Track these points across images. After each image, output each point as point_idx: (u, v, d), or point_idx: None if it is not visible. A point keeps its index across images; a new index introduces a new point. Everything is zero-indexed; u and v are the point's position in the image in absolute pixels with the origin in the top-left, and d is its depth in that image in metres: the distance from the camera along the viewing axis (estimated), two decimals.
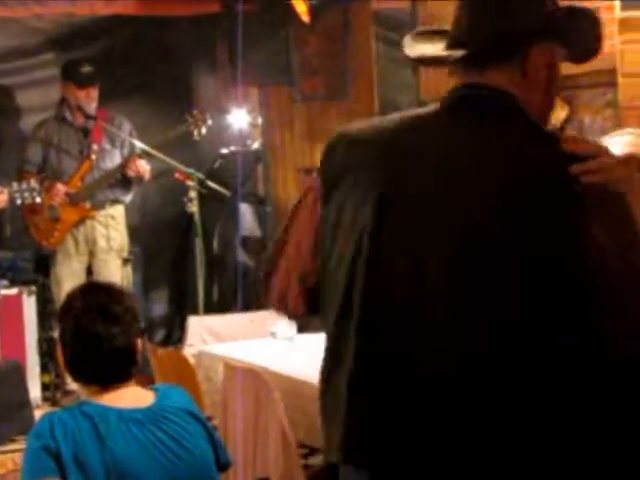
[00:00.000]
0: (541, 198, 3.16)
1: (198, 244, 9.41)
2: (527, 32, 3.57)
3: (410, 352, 3.24)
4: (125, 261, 9.37)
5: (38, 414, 5.68)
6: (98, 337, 4.27)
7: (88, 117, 9.33)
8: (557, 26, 3.60)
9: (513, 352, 3.12)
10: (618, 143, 3.63)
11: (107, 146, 9.31)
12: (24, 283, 8.79)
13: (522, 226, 3.13)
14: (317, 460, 6.43)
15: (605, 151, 3.31)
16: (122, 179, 9.32)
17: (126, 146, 9.30)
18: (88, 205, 9.21)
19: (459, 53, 3.61)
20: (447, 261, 3.15)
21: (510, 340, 3.12)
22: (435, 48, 3.72)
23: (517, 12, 3.59)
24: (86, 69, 9.52)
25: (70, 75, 9.44)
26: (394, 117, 3.62)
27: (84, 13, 10.33)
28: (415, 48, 3.76)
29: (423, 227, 3.24)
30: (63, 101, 9.54)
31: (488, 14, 3.58)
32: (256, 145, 10.62)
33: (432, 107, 3.55)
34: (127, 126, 9.47)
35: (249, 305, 8.72)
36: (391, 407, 3.28)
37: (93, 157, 9.23)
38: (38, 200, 8.74)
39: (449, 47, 3.65)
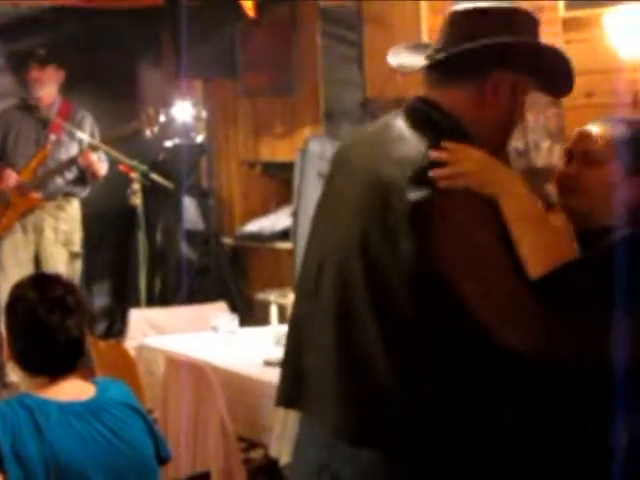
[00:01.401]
0: (388, 214, 3.40)
1: (141, 237, 9.40)
2: (488, 57, 3.68)
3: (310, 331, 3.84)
4: (74, 255, 9.34)
5: None
6: (53, 328, 4.26)
7: (45, 107, 9.34)
8: (526, 59, 3.74)
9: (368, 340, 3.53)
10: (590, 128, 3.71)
11: (65, 138, 9.26)
12: None
13: (374, 243, 3.46)
14: (257, 454, 6.43)
15: (466, 157, 3.45)
16: (79, 173, 9.30)
17: (79, 140, 9.22)
18: (39, 195, 9.18)
19: (419, 64, 3.77)
20: (334, 264, 3.64)
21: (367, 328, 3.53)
22: (412, 59, 3.87)
23: (483, 37, 3.65)
24: (40, 51, 9.53)
25: (26, 59, 9.43)
26: (369, 126, 3.96)
27: (29, 4, 10.31)
28: (397, 57, 3.91)
29: (324, 235, 3.80)
30: (26, 90, 9.53)
31: (457, 35, 3.69)
32: (200, 138, 10.61)
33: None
34: (89, 120, 9.46)
35: (191, 298, 8.73)
36: (293, 370, 3.93)
37: (48, 147, 9.18)
38: None
39: (425, 60, 3.79)
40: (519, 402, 3.53)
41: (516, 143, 6.32)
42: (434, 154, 3.39)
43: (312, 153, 8.33)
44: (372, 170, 3.57)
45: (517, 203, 3.46)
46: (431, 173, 3.35)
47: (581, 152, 3.68)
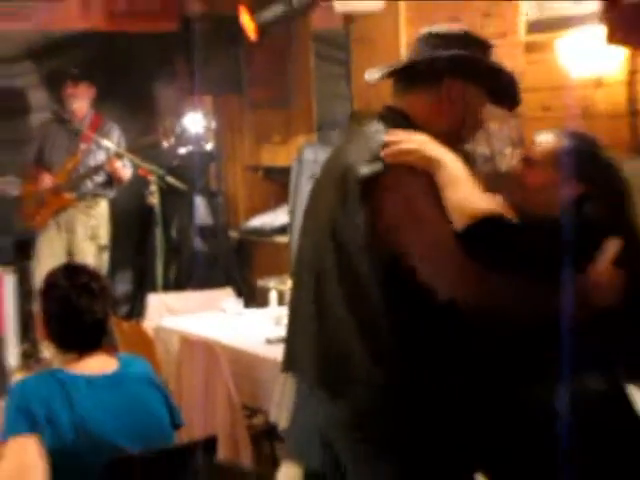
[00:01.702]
0: (347, 195, 3.60)
1: (158, 232, 9.47)
2: (438, 67, 3.85)
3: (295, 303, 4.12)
4: (102, 248, 9.38)
5: (15, 379, 5.68)
6: (82, 311, 4.32)
7: (78, 120, 9.38)
8: (472, 71, 3.88)
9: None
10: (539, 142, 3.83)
11: (94, 147, 9.29)
12: (4, 264, 8.76)
13: (339, 224, 3.68)
14: (259, 420, 6.46)
15: (409, 139, 3.63)
16: (106, 177, 9.34)
17: (106, 149, 9.26)
18: (72, 195, 9.21)
19: (379, 75, 4.04)
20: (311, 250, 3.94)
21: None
22: (381, 73, 4.07)
23: (438, 50, 3.83)
24: (73, 70, 9.59)
25: (61, 77, 9.47)
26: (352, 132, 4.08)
27: (57, 25, 10.30)
28: (370, 73, 4.06)
29: (308, 228, 4.06)
30: (62, 105, 9.53)
31: (418, 52, 3.92)
32: (209, 146, 10.63)
33: None
34: (116, 131, 9.49)
35: (202, 285, 8.74)
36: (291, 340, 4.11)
37: (79, 155, 9.22)
38: (14, 193, 8.85)
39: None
40: (466, 356, 3.62)
41: (483, 150, 6.35)
42: (386, 137, 3.60)
43: (306, 159, 8.34)
44: (340, 164, 3.75)
45: (448, 173, 3.56)
46: (381, 153, 3.56)
47: (526, 157, 3.81)
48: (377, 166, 3.60)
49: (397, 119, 3.84)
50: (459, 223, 3.46)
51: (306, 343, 3.95)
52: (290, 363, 4.12)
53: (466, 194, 3.54)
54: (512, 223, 3.58)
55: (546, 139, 3.79)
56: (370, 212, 3.61)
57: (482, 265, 3.48)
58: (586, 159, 3.68)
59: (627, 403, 3.62)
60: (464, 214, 3.46)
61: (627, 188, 3.71)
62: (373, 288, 3.64)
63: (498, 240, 3.50)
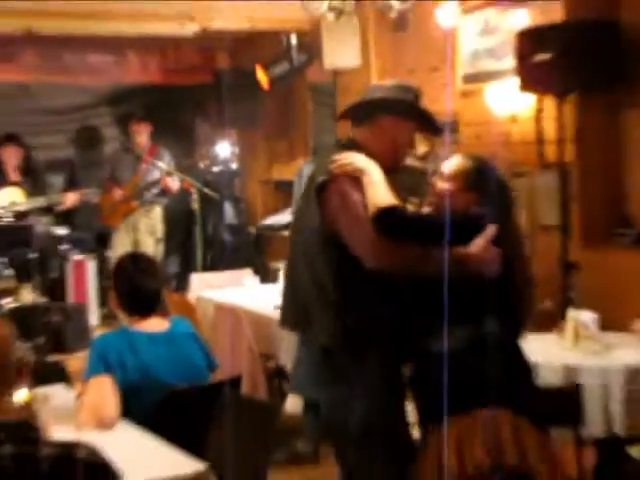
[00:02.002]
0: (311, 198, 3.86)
1: (197, 229, 9.61)
2: (372, 108, 4.10)
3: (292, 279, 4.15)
4: (158, 240, 9.47)
5: (95, 335, 5.77)
6: (142, 286, 4.45)
7: (139, 148, 9.45)
8: (399, 109, 4.06)
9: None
10: (449, 162, 3.90)
11: (151, 167, 9.34)
12: (88, 252, 8.82)
13: (310, 220, 3.89)
14: (271, 364, 6.52)
15: (350, 157, 3.83)
16: (161, 189, 9.38)
17: (161, 169, 9.33)
18: (136, 203, 9.28)
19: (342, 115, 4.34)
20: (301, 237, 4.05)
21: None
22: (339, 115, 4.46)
23: (374, 95, 4.15)
24: (138, 112, 9.74)
25: (128, 117, 9.60)
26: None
27: (124, 80, 10.36)
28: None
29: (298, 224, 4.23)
30: (131, 138, 9.58)
31: (365, 97, 4.18)
32: (234, 166, 10.65)
33: None
34: (166, 156, 9.52)
35: (229, 266, 8.79)
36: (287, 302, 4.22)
37: (140, 174, 9.29)
38: (97, 200, 8.97)
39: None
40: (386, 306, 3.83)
41: (431, 166, 6.34)
42: (334, 157, 3.83)
43: (304, 174, 8.35)
44: (311, 177, 4.02)
45: (369, 179, 3.74)
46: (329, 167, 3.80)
47: (440, 172, 3.89)
48: (326, 176, 3.82)
49: (351, 146, 3.98)
50: (371, 212, 3.67)
51: (286, 302, 4.26)
52: (283, 321, 4.32)
53: (377, 193, 3.72)
54: (404, 211, 3.81)
55: (454, 160, 3.89)
56: (321, 206, 3.83)
57: (388, 239, 3.68)
58: (481, 174, 3.78)
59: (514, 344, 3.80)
60: (374, 206, 3.67)
61: (509, 194, 3.95)
62: (323, 260, 3.87)
63: (394, 223, 3.70)
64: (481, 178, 3.77)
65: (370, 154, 3.91)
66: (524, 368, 3.84)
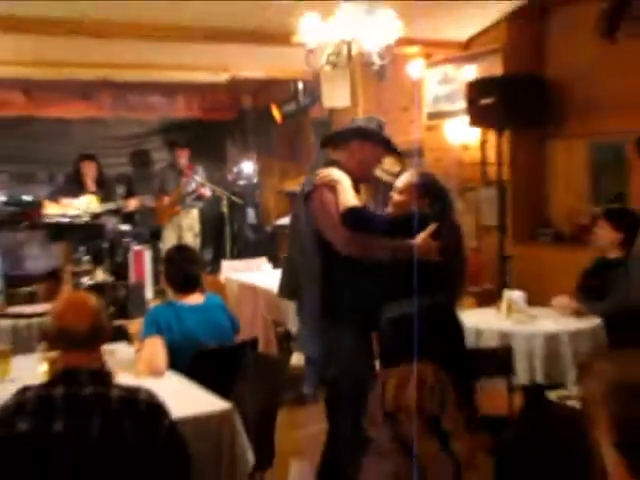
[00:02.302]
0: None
1: (227, 227, 9.51)
2: (347, 135, 4.12)
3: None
4: (195, 235, 9.42)
5: (150, 305, 5.78)
6: (187, 270, 4.43)
7: (181, 166, 9.37)
8: (369, 136, 4.06)
9: None
10: (401, 177, 3.94)
11: (190, 180, 9.25)
12: (144, 243, 8.82)
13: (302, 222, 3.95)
14: (281, 329, 6.52)
15: (330, 172, 3.84)
16: (196, 197, 9.31)
17: (197, 181, 9.26)
18: (179, 207, 9.24)
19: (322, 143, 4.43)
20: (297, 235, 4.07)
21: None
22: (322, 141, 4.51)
23: (348, 126, 4.26)
24: (181, 140, 9.63)
25: (174, 144, 9.55)
26: None
27: (173, 115, 10.36)
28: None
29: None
30: (175, 159, 9.49)
31: (344, 127, 4.32)
32: (255, 180, 10.64)
33: None
34: (201, 171, 9.42)
35: (250, 256, 8.77)
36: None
37: (182, 186, 9.22)
38: (151, 204, 8.98)
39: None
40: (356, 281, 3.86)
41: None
42: (317, 172, 3.87)
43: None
44: (302, 187, 3.99)
45: (341, 187, 3.75)
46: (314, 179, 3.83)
47: (396, 184, 3.93)
48: (311, 186, 3.85)
49: (332, 164, 3.98)
50: (341, 211, 3.72)
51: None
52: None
53: (346, 197, 3.75)
54: (362, 210, 3.85)
55: (404, 176, 3.93)
56: (306, 207, 3.88)
57: (351, 230, 3.76)
58: (425, 185, 3.81)
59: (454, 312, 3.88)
60: (343, 206, 3.71)
61: (448, 199, 3.93)
62: (310, 247, 3.92)
63: (355, 218, 3.76)
64: (425, 188, 3.80)
65: (345, 170, 3.94)
66: (457, 332, 3.86)
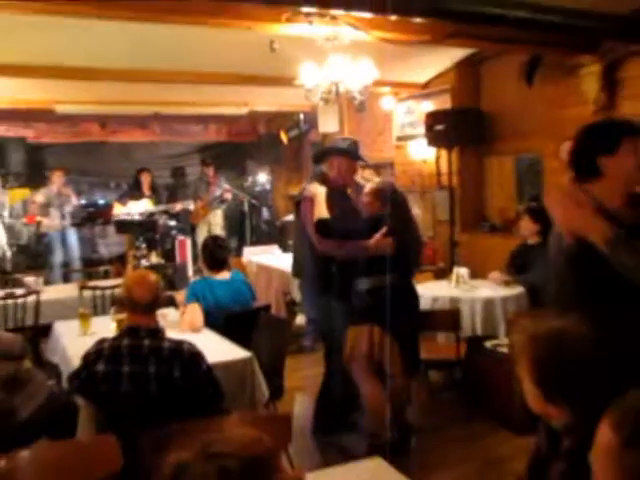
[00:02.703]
0: None
1: (247, 222, 9.50)
2: (326, 153, 4.07)
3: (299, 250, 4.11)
4: (221, 227, 9.30)
5: (191, 280, 5.79)
6: (220, 254, 4.39)
7: (208, 177, 9.21)
8: (345, 153, 3.95)
9: None
10: (368, 185, 3.84)
11: (216, 188, 9.15)
12: (186, 235, 8.82)
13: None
14: (289, 298, 6.50)
15: (315, 187, 3.81)
16: (221, 199, 9.17)
17: (222, 189, 9.16)
18: (209, 209, 9.09)
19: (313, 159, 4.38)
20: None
21: None
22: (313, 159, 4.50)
23: (330, 144, 4.31)
24: (208, 159, 9.49)
25: (206, 164, 9.43)
26: None
27: (207, 139, 10.34)
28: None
29: None
30: (203, 173, 9.38)
31: (325, 147, 4.10)
32: (268, 186, 10.63)
33: None
34: (223, 180, 9.28)
35: (265, 243, 8.73)
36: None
37: (210, 192, 9.11)
38: (191, 207, 8.93)
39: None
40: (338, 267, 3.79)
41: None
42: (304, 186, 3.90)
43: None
44: (297, 196, 4.01)
45: (318, 200, 3.73)
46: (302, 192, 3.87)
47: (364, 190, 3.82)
48: (300, 197, 3.89)
49: (320, 175, 4.01)
50: (314, 221, 3.72)
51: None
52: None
53: (319, 210, 3.72)
54: (328, 220, 3.74)
55: (371, 183, 3.87)
56: (296, 214, 3.95)
57: (320, 235, 3.74)
58: (383, 191, 3.71)
59: (409, 286, 3.77)
60: (317, 217, 3.70)
61: (400, 202, 3.77)
62: (304, 241, 3.94)
63: (321, 228, 3.73)
64: (382, 194, 3.71)
65: (330, 179, 3.92)
66: (412, 300, 3.81)
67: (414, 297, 3.84)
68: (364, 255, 3.61)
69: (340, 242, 3.75)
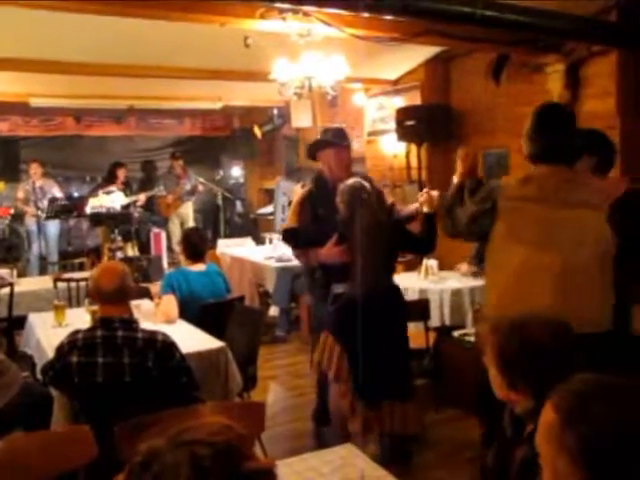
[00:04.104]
0: None
1: (221, 214, 9.41)
2: (317, 146, 3.80)
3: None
4: (192, 220, 9.27)
5: (167, 271, 5.76)
6: (200, 245, 4.39)
7: (178, 171, 9.18)
8: (334, 145, 3.74)
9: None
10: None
11: (186, 182, 9.10)
12: (161, 227, 8.76)
13: None
14: (262, 289, 6.51)
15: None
16: (191, 191, 9.13)
17: (192, 182, 9.11)
18: (180, 202, 9.04)
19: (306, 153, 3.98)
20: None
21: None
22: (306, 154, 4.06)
23: (320, 137, 3.87)
24: (177, 154, 9.39)
25: (175, 157, 9.37)
26: None
27: (182, 133, 10.24)
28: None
29: None
30: (172, 166, 9.32)
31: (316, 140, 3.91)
32: (242, 179, 10.58)
33: None
34: (193, 176, 9.19)
35: (239, 236, 8.68)
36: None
37: (180, 186, 9.05)
38: (159, 194, 8.94)
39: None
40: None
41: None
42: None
43: (280, 185, 8.33)
44: None
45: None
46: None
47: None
48: None
49: (319, 172, 3.77)
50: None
51: None
52: None
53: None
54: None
55: (349, 180, 3.49)
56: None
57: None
58: (342, 194, 3.35)
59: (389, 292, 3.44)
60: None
61: (356, 205, 3.30)
62: None
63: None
64: (342, 197, 3.36)
65: (326, 175, 3.70)
66: (393, 309, 3.51)
67: (396, 306, 3.42)
68: (335, 261, 3.36)
69: (303, 250, 3.61)
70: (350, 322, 3.16)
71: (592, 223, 2.38)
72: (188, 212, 9.25)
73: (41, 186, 8.22)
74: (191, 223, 9.12)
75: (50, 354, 2.90)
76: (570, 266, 2.37)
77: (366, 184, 3.40)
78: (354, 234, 3.28)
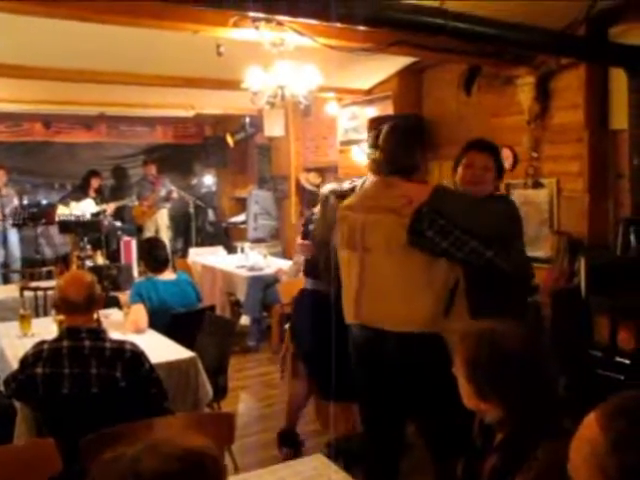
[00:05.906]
0: None
1: (193, 223, 9.35)
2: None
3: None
4: (168, 227, 9.26)
5: (136, 280, 5.71)
6: (161, 254, 4.34)
7: (151, 178, 9.18)
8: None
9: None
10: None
11: (161, 188, 9.08)
12: (132, 235, 8.69)
13: None
14: (233, 298, 6.50)
15: None
16: (166, 199, 9.11)
17: (167, 189, 9.09)
18: (154, 209, 9.03)
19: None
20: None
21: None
22: None
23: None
24: (150, 159, 9.42)
25: (147, 163, 9.33)
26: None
27: (154, 140, 10.18)
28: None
29: None
30: (145, 173, 9.34)
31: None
32: (214, 188, 10.54)
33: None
34: (167, 182, 9.19)
35: (210, 245, 8.70)
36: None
37: (155, 192, 9.04)
38: (130, 204, 8.91)
39: None
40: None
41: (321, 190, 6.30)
42: None
43: (253, 194, 8.33)
44: None
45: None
46: None
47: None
48: None
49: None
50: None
51: None
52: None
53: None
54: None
55: (327, 185, 3.70)
56: None
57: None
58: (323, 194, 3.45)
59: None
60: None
61: (323, 206, 3.38)
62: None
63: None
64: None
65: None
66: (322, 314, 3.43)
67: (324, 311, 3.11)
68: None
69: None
70: (298, 318, 3.38)
71: (391, 226, 2.53)
72: (164, 220, 9.22)
73: (6, 194, 8.13)
74: (166, 230, 9.08)
75: (15, 365, 2.84)
76: (370, 265, 2.58)
77: (333, 192, 3.42)
78: (312, 233, 3.55)
